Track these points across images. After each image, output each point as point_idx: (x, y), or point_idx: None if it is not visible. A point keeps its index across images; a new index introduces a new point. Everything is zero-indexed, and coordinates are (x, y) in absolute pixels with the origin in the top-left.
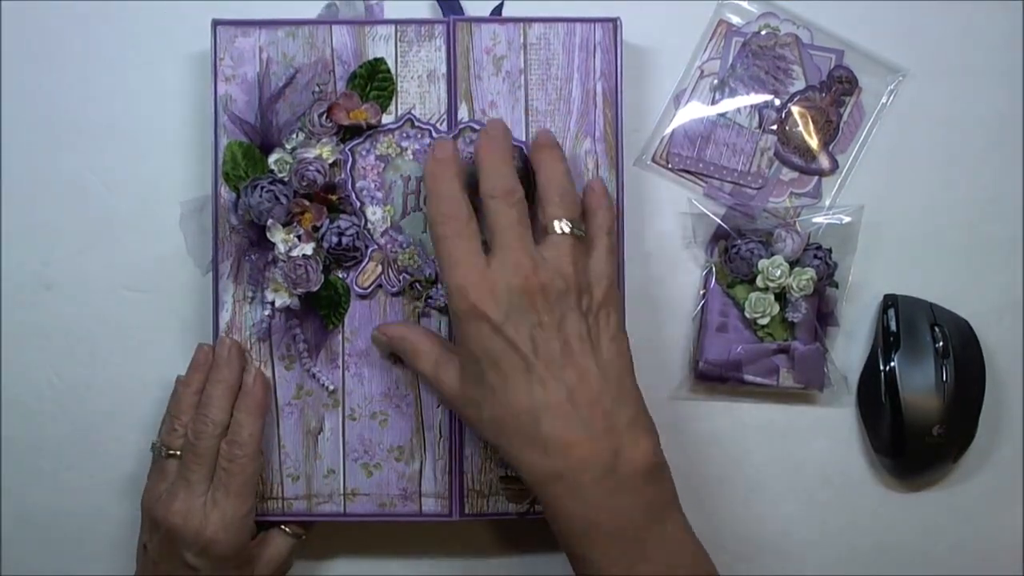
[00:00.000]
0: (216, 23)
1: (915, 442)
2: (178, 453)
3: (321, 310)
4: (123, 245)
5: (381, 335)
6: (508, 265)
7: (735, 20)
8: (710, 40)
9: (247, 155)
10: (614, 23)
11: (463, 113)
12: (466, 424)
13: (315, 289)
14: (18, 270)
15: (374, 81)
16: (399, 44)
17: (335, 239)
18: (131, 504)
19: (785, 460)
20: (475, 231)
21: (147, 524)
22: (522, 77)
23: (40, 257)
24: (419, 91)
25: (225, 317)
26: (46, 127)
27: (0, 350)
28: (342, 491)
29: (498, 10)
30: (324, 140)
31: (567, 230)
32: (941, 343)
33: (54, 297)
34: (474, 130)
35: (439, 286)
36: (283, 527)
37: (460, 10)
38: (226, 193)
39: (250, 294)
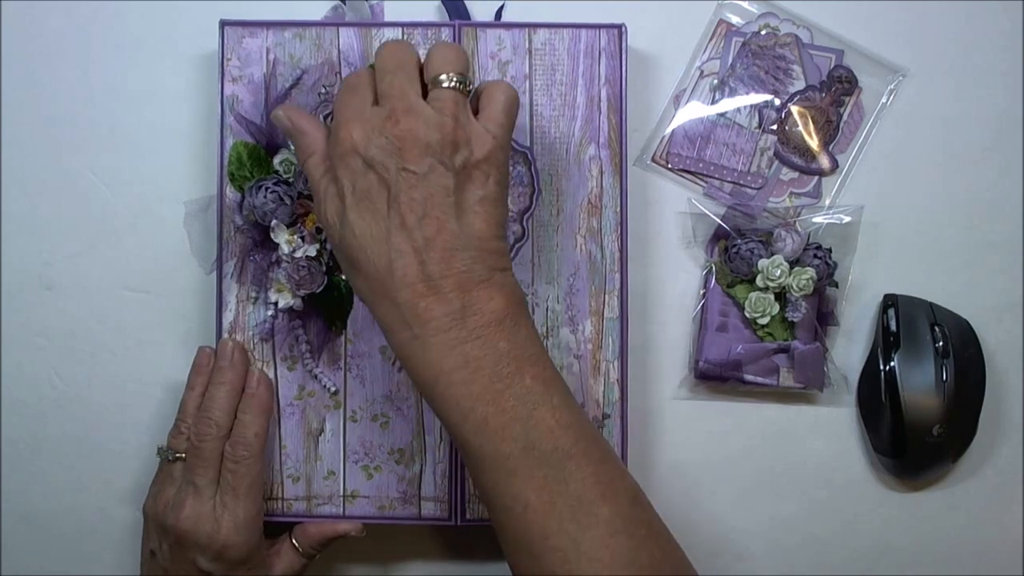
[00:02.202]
0: (224, 24)
1: (915, 442)
2: (183, 456)
3: (324, 311)
4: (124, 245)
5: (285, 118)
6: (384, 110)
7: (735, 20)
8: (710, 40)
9: (252, 156)
10: (619, 29)
11: None
12: (333, 252)
13: (318, 290)
14: (19, 270)
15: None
16: None
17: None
18: (131, 504)
19: (785, 460)
20: (371, 94)
21: (154, 531)
22: (527, 82)
23: (41, 257)
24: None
25: (228, 317)
26: (49, 127)
27: (0, 350)
28: (342, 493)
29: (499, 13)
30: None
31: (451, 84)
32: (941, 343)
33: (54, 297)
34: None
35: None
36: (295, 544)
37: (466, 13)
38: (231, 193)
39: (253, 294)
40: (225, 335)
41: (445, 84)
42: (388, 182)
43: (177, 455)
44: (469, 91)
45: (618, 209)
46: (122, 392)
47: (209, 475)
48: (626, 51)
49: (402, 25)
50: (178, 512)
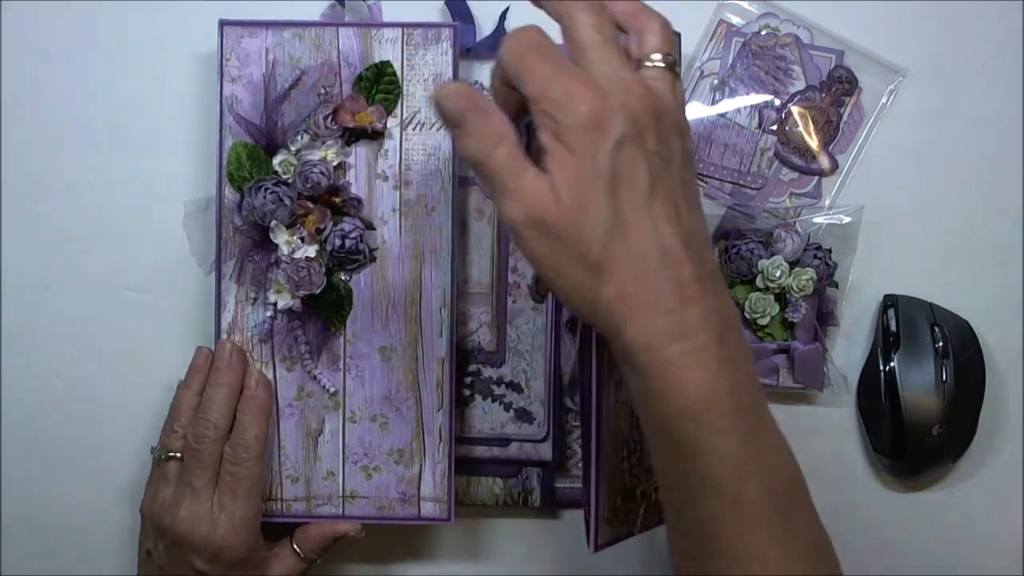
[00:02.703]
0: (223, 23)
1: (915, 442)
2: (178, 455)
3: (323, 312)
4: (124, 245)
5: (458, 95)
6: (618, 80)
7: (735, 20)
8: (710, 40)
9: (251, 156)
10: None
11: None
12: (534, 257)
13: (318, 291)
14: (18, 270)
15: (380, 84)
16: (406, 47)
17: (338, 242)
18: (131, 504)
19: None
20: (563, 55)
21: (150, 531)
22: None
23: (40, 257)
24: (425, 95)
25: (227, 318)
26: (49, 127)
27: (0, 350)
28: (341, 493)
29: (503, 16)
30: (329, 142)
31: (666, 63)
32: (941, 343)
33: (54, 297)
34: None
35: None
36: (296, 548)
37: (469, 14)
38: (230, 194)
39: (252, 295)
40: (224, 336)
41: (661, 64)
42: (641, 165)
43: (171, 454)
44: (678, 73)
45: None
46: (122, 392)
47: (207, 476)
48: None
49: (402, 25)
50: (175, 513)
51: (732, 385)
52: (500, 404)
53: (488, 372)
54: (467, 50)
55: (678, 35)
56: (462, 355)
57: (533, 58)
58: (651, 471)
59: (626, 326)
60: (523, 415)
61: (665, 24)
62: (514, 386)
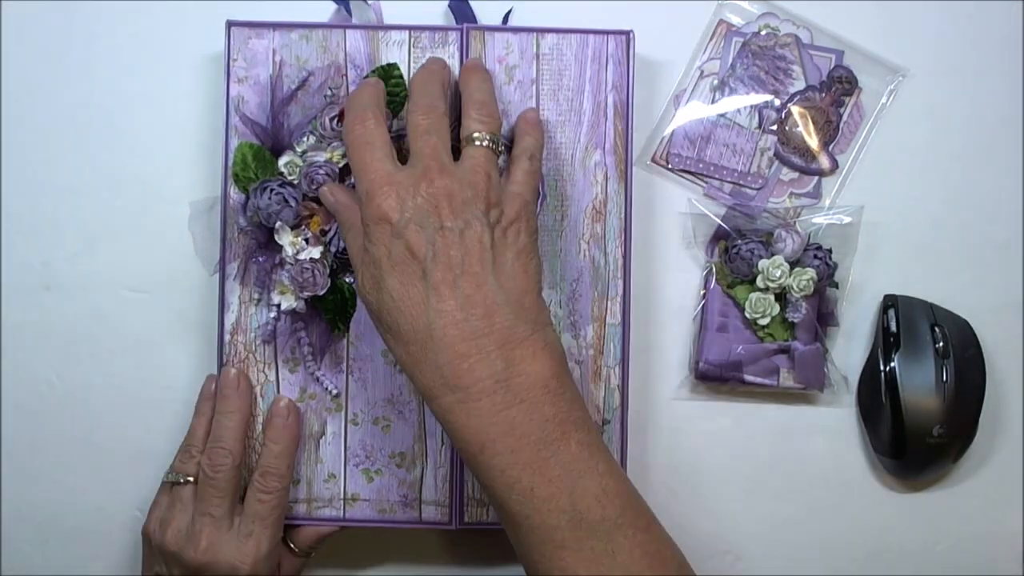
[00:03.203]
0: (230, 24)
1: (915, 442)
2: (192, 479)
3: (327, 314)
4: (125, 245)
5: (328, 193)
6: (417, 170)
7: (735, 20)
8: (710, 40)
9: (257, 157)
10: (627, 36)
11: None
12: (382, 337)
13: (322, 293)
14: (19, 270)
15: (386, 86)
16: (413, 50)
17: (343, 243)
18: (131, 504)
19: (785, 460)
20: (387, 143)
21: (164, 558)
22: (534, 87)
23: (40, 257)
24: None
25: (231, 319)
26: (51, 127)
27: (0, 350)
28: (342, 496)
29: (506, 17)
30: (335, 144)
31: (484, 144)
32: (941, 343)
33: (55, 297)
34: None
35: None
36: (291, 546)
37: (472, 16)
38: (235, 195)
39: (256, 296)
40: (228, 336)
41: (478, 144)
42: (424, 243)
43: (188, 478)
44: (500, 151)
45: (622, 215)
46: (122, 392)
47: (226, 505)
48: (633, 58)
49: (409, 28)
50: (196, 544)
51: (510, 426)
52: None
53: None
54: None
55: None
56: None
57: (353, 149)
58: None
59: (415, 377)
60: None
61: (484, 107)
62: None
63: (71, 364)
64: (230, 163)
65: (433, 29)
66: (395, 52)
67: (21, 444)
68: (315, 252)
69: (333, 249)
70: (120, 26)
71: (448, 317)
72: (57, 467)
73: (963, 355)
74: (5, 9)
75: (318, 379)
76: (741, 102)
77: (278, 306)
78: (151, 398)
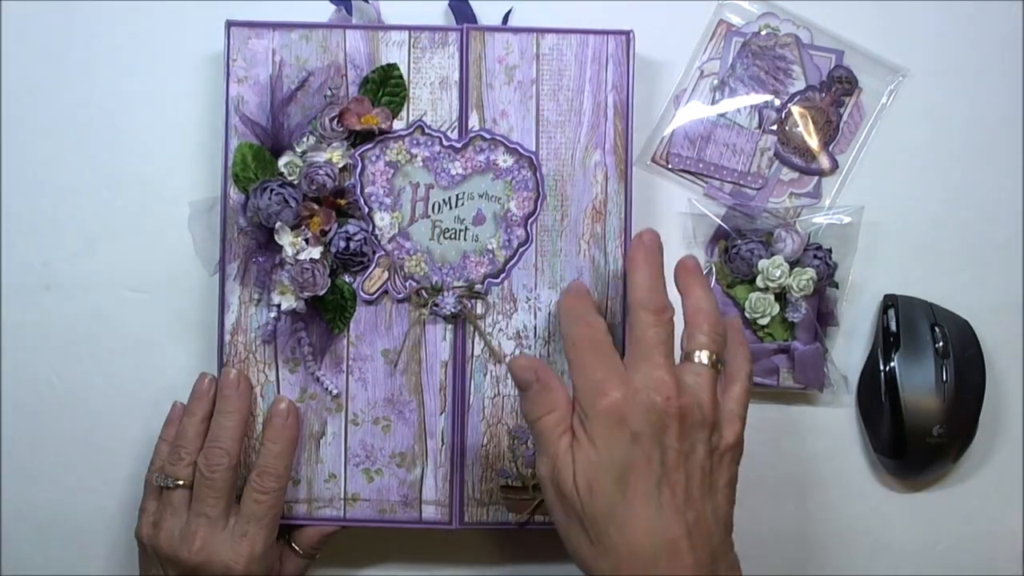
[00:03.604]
0: (230, 24)
1: (915, 442)
2: (182, 483)
3: (327, 314)
4: (125, 245)
5: (530, 370)
6: (651, 379)
7: (735, 20)
8: (710, 40)
9: (257, 157)
10: (627, 36)
11: (474, 121)
12: (556, 516)
13: (321, 293)
14: (19, 270)
15: (386, 87)
16: (412, 50)
17: (343, 244)
18: (131, 504)
19: (785, 460)
20: (613, 348)
21: (159, 560)
22: (533, 87)
23: (40, 257)
24: (431, 98)
25: (231, 319)
26: (52, 127)
27: (0, 350)
28: (343, 496)
29: (506, 17)
30: (334, 144)
31: (710, 362)
32: (941, 343)
33: (55, 297)
34: (484, 139)
35: (445, 293)
36: (294, 548)
37: (472, 16)
38: (235, 195)
39: (256, 296)
40: (228, 336)
41: (704, 361)
42: (656, 459)
43: (177, 483)
44: (720, 369)
45: (622, 215)
46: (122, 392)
47: (221, 505)
48: (633, 58)
49: (409, 28)
50: (190, 545)
51: None
52: None
53: None
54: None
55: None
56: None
57: (584, 352)
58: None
59: None
60: None
61: (715, 325)
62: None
63: (71, 364)
64: (230, 163)
65: (433, 29)
66: (395, 52)
67: (21, 444)
68: (315, 252)
69: (333, 249)
70: (120, 26)
71: (677, 545)
72: (57, 467)
73: (963, 355)
74: (5, 9)
75: (318, 379)
76: (741, 102)
77: (278, 306)
78: (151, 398)
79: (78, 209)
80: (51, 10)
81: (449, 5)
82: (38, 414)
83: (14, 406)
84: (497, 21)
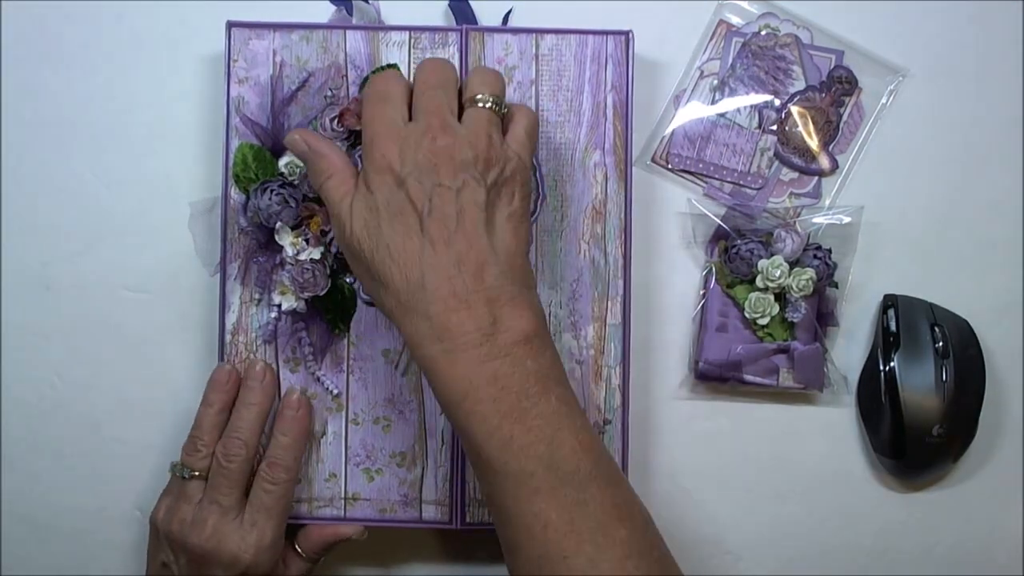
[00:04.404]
0: (230, 25)
1: (915, 442)
2: (198, 474)
3: (327, 314)
4: (124, 245)
5: (301, 141)
6: (421, 125)
7: (735, 20)
8: (710, 40)
9: (258, 157)
10: (626, 36)
11: None
12: (353, 269)
13: (322, 293)
14: (19, 270)
15: None
16: (412, 51)
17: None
18: (131, 504)
19: (785, 460)
20: (404, 102)
21: (169, 546)
22: (533, 88)
23: (40, 257)
24: None
25: (231, 319)
26: (52, 127)
27: (0, 350)
28: (343, 495)
29: (506, 18)
30: (335, 144)
31: (486, 105)
32: (941, 343)
33: (55, 297)
34: None
35: None
36: (298, 550)
37: (472, 16)
38: (235, 195)
39: (257, 296)
40: (228, 336)
41: (481, 104)
42: (423, 197)
43: (194, 473)
44: (503, 113)
45: (622, 216)
46: (122, 392)
47: (235, 495)
48: (632, 58)
49: (409, 29)
50: (201, 532)
51: (493, 377)
52: None
53: None
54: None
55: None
56: None
57: (369, 101)
58: None
59: (402, 325)
60: None
61: (495, 77)
62: None
63: (71, 364)
64: (231, 164)
65: (433, 30)
66: (395, 53)
67: (21, 444)
68: (315, 253)
69: (333, 250)
70: (121, 26)
71: (442, 272)
72: (57, 467)
73: (963, 355)
74: (5, 9)
75: (319, 379)
76: (741, 102)
77: (279, 306)
78: (151, 398)
79: (78, 209)
80: (51, 10)
81: (449, 5)
82: (38, 414)
83: (14, 406)
84: (497, 21)
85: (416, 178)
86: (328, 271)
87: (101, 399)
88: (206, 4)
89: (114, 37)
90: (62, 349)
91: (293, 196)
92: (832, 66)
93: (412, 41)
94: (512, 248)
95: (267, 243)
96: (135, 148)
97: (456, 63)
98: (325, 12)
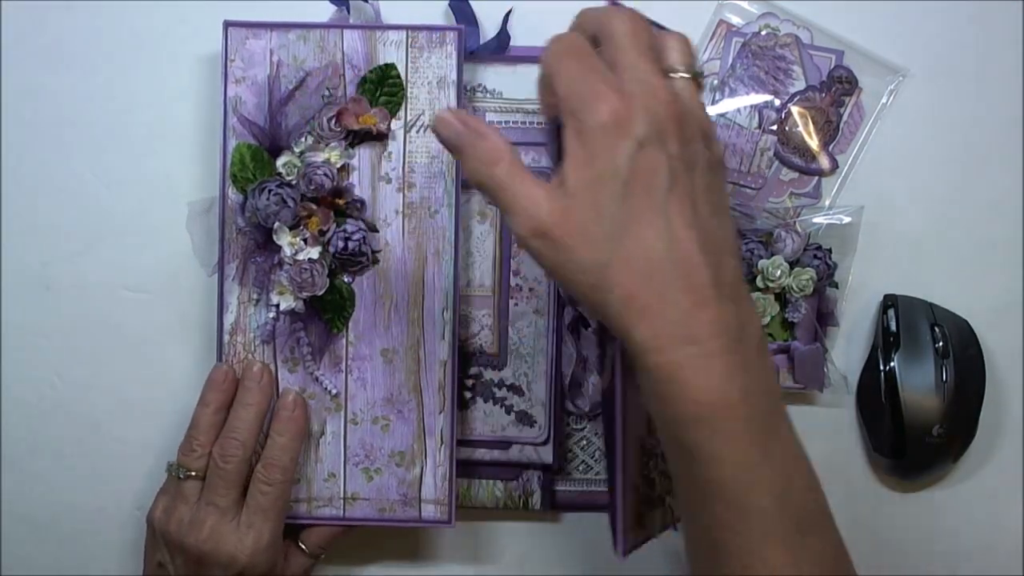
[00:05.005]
0: (228, 24)
1: (915, 442)
2: (195, 474)
3: (326, 314)
4: (124, 245)
5: (457, 122)
6: (644, 84)
7: (735, 20)
8: (710, 40)
9: (255, 157)
10: None
11: None
12: (545, 267)
13: (320, 293)
14: (19, 270)
15: (384, 86)
16: (410, 50)
17: (341, 243)
18: (131, 504)
19: None
20: (599, 62)
21: (166, 546)
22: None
23: (40, 257)
24: (429, 97)
25: (230, 319)
26: (50, 127)
27: (0, 350)
28: (342, 495)
29: (506, 18)
30: (332, 144)
31: (691, 74)
32: (941, 343)
33: (55, 297)
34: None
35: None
36: (301, 545)
37: (472, 16)
38: (233, 195)
39: (255, 296)
40: (227, 336)
41: (685, 75)
42: (663, 168)
43: (191, 473)
44: (701, 84)
45: None
46: (122, 392)
47: (232, 496)
48: None
49: (407, 28)
50: (198, 533)
51: (744, 392)
52: (501, 407)
53: (489, 375)
54: (471, 52)
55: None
56: (464, 357)
57: (567, 60)
58: (668, 475)
59: (635, 328)
60: (524, 418)
61: (684, 40)
62: (515, 389)
63: (71, 364)
64: (228, 163)
65: (431, 29)
66: (392, 52)
67: (21, 444)
68: (313, 252)
69: (332, 249)
70: (121, 26)
71: (692, 260)
72: (57, 467)
73: (963, 355)
74: (5, 9)
75: (317, 379)
76: (741, 102)
77: (277, 306)
78: (151, 398)
79: (78, 209)
80: (51, 10)
81: (449, 5)
82: (38, 414)
83: (14, 406)
84: (497, 21)
85: (657, 144)
86: (326, 271)
87: (101, 399)
88: (207, 4)
89: (114, 37)
90: (62, 349)
91: (291, 196)
92: (832, 66)
93: (409, 40)
94: (737, 246)
95: (265, 243)
96: (135, 148)
97: (454, 62)
98: (326, 12)
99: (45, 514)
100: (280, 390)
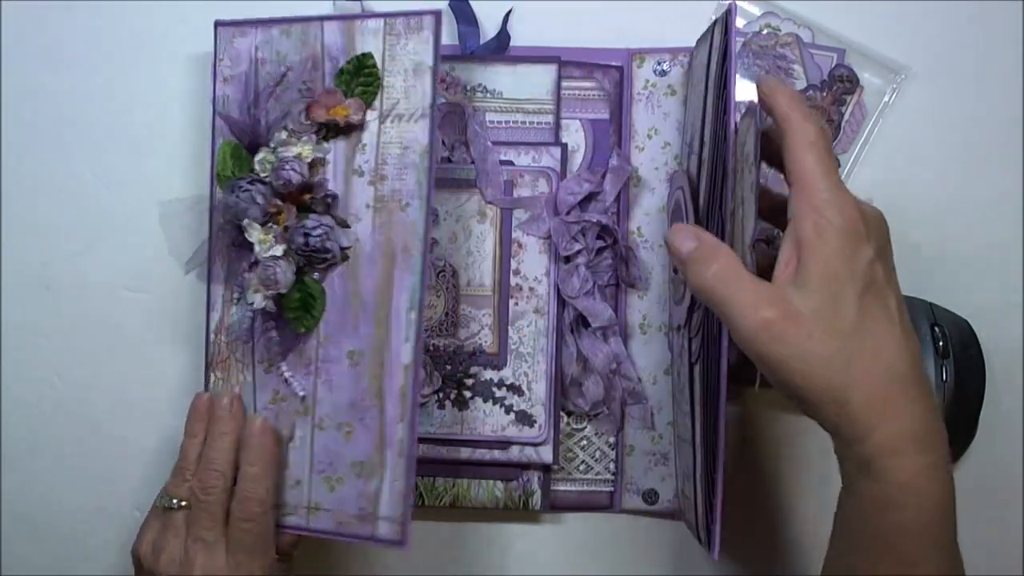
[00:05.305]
0: (218, 24)
1: None
2: (185, 503)
3: (288, 312)
4: (124, 245)
5: (685, 235)
6: (852, 200)
7: (736, 20)
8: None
9: (235, 155)
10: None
11: None
12: (769, 361)
13: (284, 291)
14: (19, 270)
15: (360, 76)
16: (387, 37)
17: (301, 239)
18: (131, 504)
19: (786, 460)
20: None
21: None
22: None
23: (40, 257)
24: (404, 85)
25: (215, 317)
26: (49, 127)
27: (0, 350)
28: (306, 504)
29: (506, 18)
30: (304, 139)
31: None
32: (941, 343)
33: (54, 297)
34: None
35: None
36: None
37: (472, 16)
38: (219, 193)
39: (236, 295)
40: (212, 336)
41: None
42: (891, 280)
43: (181, 504)
44: None
45: None
46: (122, 392)
47: (217, 529)
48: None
49: (384, 15)
50: (190, 572)
51: (953, 504)
52: (501, 407)
53: (489, 374)
54: (471, 52)
55: None
56: (464, 357)
57: (827, 153)
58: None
59: (877, 429)
60: (524, 418)
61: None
62: (515, 388)
63: (71, 364)
64: (216, 163)
65: (407, 15)
66: (370, 41)
67: (21, 444)
68: (278, 250)
69: (293, 245)
70: (121, 26)
71: (918, 369)
72: (57, 467)
73: (963, 355)
74: (5, 9)
75: (287, 381)
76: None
77: (251, 305)
78: (151, 398)
79: (78, 209)
80: (51, 10)
81: (449, 5)
82: (38, 414)
83: (14, 406)
84: (497, 21)
85: (883, 258)
86: (293, 268)
87: (101, 399)
88: (207, 4)
89: (114, 37)
90: (62, 349)
91: (261, 192)
92: (833, 65)
93: (387, 28)
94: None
95: (241, 241)
96: (130, 148)
97: (431, 47)
98: (316, 9)
99: (45, 514)
100: (247, 416)
